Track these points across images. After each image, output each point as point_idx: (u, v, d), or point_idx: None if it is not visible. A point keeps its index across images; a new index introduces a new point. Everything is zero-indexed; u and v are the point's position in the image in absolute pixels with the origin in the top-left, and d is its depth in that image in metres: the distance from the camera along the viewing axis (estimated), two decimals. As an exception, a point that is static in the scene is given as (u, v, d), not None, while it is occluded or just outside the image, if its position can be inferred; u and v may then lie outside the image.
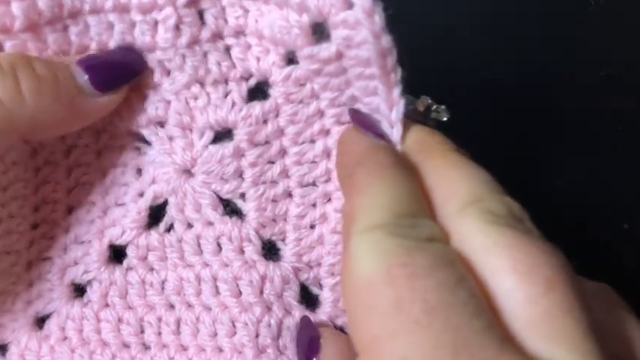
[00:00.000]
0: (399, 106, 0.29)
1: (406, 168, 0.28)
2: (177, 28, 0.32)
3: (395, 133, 0.30)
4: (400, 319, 0.23)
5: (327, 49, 0.30)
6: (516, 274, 0.24)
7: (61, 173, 0.35)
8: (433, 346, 0.22)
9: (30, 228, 0.35)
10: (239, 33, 0.33)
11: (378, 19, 0.27)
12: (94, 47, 0.32)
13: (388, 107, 0.30)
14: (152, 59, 0.32)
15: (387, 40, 0.28)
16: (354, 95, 0.31)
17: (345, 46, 0.29)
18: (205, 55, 0.33)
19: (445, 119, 0.32)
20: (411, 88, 0.30)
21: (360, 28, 0.28)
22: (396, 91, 0.29)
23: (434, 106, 0.32)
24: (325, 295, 0.35)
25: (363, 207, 0.27)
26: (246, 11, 0.32)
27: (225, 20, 0.32)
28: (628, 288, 0.29)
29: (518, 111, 0.46)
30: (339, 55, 0.30)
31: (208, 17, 0.32)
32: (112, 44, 0.32)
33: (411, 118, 0.31)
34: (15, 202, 0.34)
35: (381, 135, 0.30)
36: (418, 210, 0.27)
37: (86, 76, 0.31)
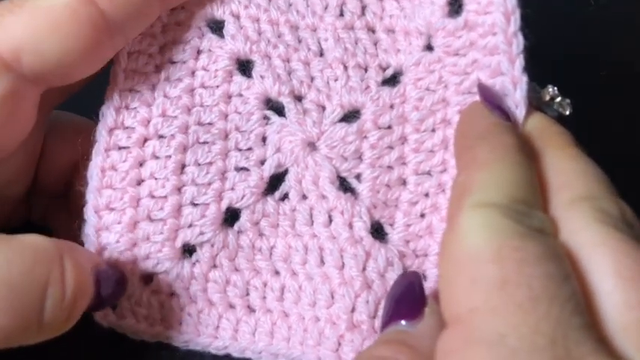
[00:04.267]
0: (522, 83, 0.31)
1: (527, 154, 0.29)
2: (341, 11, 0.37)
3: (519, 113, 0.31)
4: (503, 299, 0.23)
5: (457, 20, 0.34)
6: (619, 278, 0.24)
7: (181, 129, 0.36)
8: (532, 331, 0.22)
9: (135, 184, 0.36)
10: (390, 30, 0.37)
11: None
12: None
13: (512, 85, 0.32)
14: (312, 38, 0.36)
15: (512, 1, 0.31)
16: (479, 79, 0.33)
17: (473, 13, 0.33)
18: (356, 41, 0.36)
19: (568, 113, 0.33)
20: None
21: None
22: (519, 65, 0.32)
23: (558, 98, 0.33)
24: (429, 286, 0.35)
25: (481, 182, 0.27)
26: (402, 9, 0.36)
27: (382, 17, 0.37)
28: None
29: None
30: (467, 25, 0.33)
31: (368, 11, 0.37)
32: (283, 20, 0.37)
33: (534, 105, 0.32)
34: None
35: (506, 115, 0.31)
36: (534, 200, 0.27)
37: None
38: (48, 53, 0.31)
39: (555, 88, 0.33)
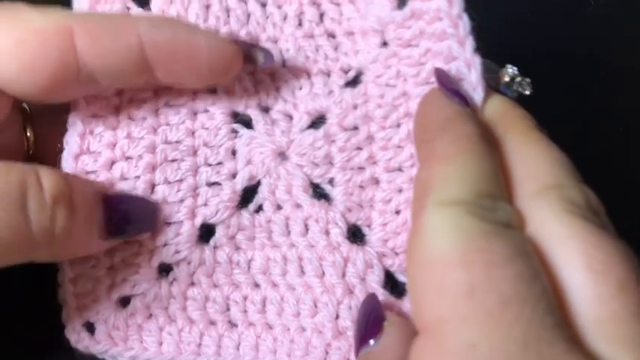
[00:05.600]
0: (476, 65, 0.32)
1: (490, 142, 0.28)
2: (299, 20, 0.37)
3: (477, 96, 0.31)
4: (472, 306, 0.22)
5: (403, 12, 0.35)
6: (589, 271, 0.24)
7: (148, 149, 0.35)
8: (504, 338, 0.22)
9: None
10: (349, 33, 0.37)
11: None
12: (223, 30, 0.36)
13: (467, 67, 0.32)
14: (275, 49, 0.36)
15: None
16: (434, 68, 0.34)
17: (419, 1, 0.34)
18: (317, 48, 0.37)
19: (528, 93, 0.32)
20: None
21: None
22: (469, 46, 0.32)
23: (518, 78, 0.32)
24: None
25: (443, 177, 0.26)
26: (358, 11, 0.37)
27: (340, 22, 0.37)
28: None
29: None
30: (413, 14, 0.34)
31: (326, 17, 0.37)
32: (244, 32, 0.36)
33: (492, 87, 0.31)
34: None
35: (465, 100, 0.30)
36: (498, 191, 0.26)
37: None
38: (6, 67, 0.30)
39: (515, 68, 0.32)
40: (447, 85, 0.31)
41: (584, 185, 0.27)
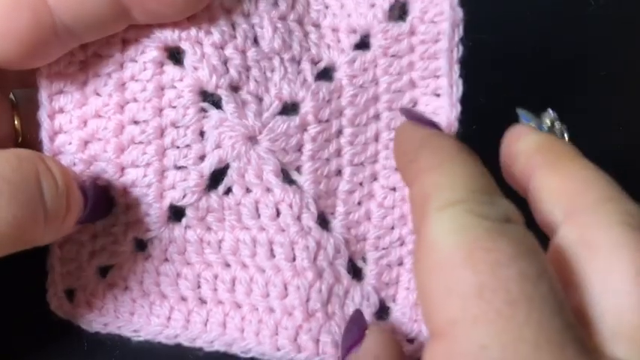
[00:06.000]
0: (459, 86, 0.33)
1: (470, 151, 0.29)
2: (275, 0, 0.35)
3: (454, 113, 0.33)
4: (481, 306, 0.22)
5: (401, 26, 0.35)
6: (637, 279, 0.24)
7: (115, 130, 0.35)
8: (515, 339, 0.22)
9: None
10: (316, 25, 0.36)
11: None
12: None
13: (449, 86, 0.33)
14: (247, 24, 0.35)
15: (459, 12, 0.33)
16: (412, 80, 0.35)
17: (419, 20, 0.34)
18: (290, 32, 0.35)
19: (566, 138, 0.33)
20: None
21: (439, 1, 0.33)
22: (456, 69, 0.33)
23: (557, 123, 0.33)
24: (370, 268, 0.37)
25: (437, 185, 0.26)
26: (326, 7, 0.36)
27: (308, 11, 0.36)
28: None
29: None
30: (411, 32, 0.34)
31: (298, 4, 0.35)
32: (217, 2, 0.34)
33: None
34: None
35: (437, 126, 0.32)
36: (492, 187, 0.27)
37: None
38: None
39: (555, 113, 0.33)
40: (417, 118, 0.32)
41: (634, 202, 0.27)
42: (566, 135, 0.33)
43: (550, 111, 0.33)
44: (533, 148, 0.30)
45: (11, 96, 0.36)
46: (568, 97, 0.48)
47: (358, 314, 0.34)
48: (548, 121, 0.33)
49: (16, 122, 0.36)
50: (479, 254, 0.23)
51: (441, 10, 0.34)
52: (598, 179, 0.28)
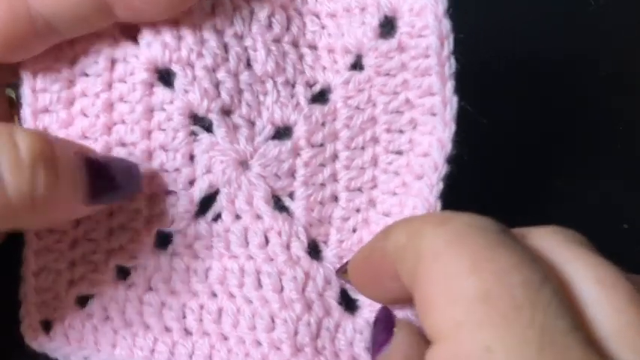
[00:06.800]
0: (453, 103, 0.32)
1: None
2: (269, 22, 0.34)
3: (447, 133, 0.32)
4: (487, 311, 0.23)
5: (390, 42, 0.33)
6: (601, 286, 0.25)
7: (102, 152, 0.34)
8: (519, 341, 0.22)
9: None
10: (312, 47, 0.35)
11: (442, 3, 0.31)
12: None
13: (443, 104, 0.32)
14: (240, 47, 0.34)
15: (446, 24, 0.31)
16: (408, 99, 0.34)
17: (407, 35, 0.33)
18: (284, 55, 0.34)
19: None
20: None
21: (425, 14, 0.32)
22: (450, 86, 0.32)
23: None
24: (364, 299, 0.35)
25: (427, 215, 0.27)
26: (323, 27, 0.35)
27: (304, 33, 0.35)
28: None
29: (517, 111, 0.46)
30: (400, 47, 0.33)
31: (293, 25, 0.35)
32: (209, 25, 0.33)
33: None
34: None
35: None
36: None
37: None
38: None
39: None
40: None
41: None
42: None
43: None
44: None
45: (12, 94, 0.35)
46: (568, 98, 0.48)
47: (386, 312, 0.33)
48: None
49: (15, 121, 0.35)
50: (483, 264, 0.24)
51: (426, 23, 0.32)
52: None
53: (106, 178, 0.31)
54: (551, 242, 0.27)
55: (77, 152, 0.31)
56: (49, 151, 0.29)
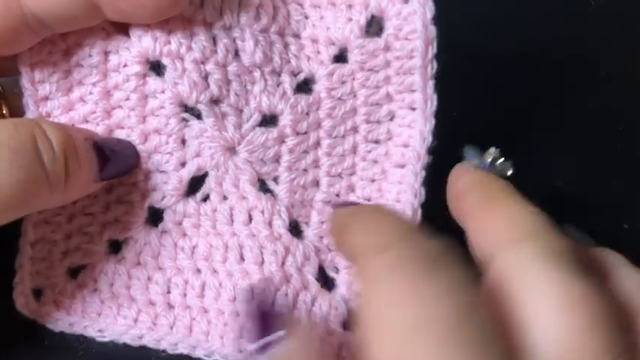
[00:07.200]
0: (434, 100, 0.35)
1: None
2: (257, 12, 0.36)
3: (428, 127, 0.35)
4: (422, 339, 0.23)
5: (376, 42, 0.36)
6: (561, 307, 0.25)
7: (104, 134, 0.36)
8: None
9: None
10: (296, 36, 0.37)
11: (430, 10, 0.34)
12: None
13: (424, 101, 0.35)
14: (228, 38, 0.36)
15: (432, 30, 0.34)
16: (388, 93, 0.36)
17: (394, 37, 0.35)
18: (271, 44, 0.36)
19: (509, 174, 0.34)
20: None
21: (413, 19, 0.34)
22: (431, 84, 0.35)
23: (500, 159, 0.35)
24: (341, 278, 0.38)
25: (367, 234, 0.28)
26: (306, 17, 0.37)
27: (289, 22, 0.37)
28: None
29: (517, 111, 0.46)
30: (387, 48, 0.36)
31: (279, 15, 0.37)
32: (199, 17, 0.35)
33: (475, 165, 0.34)
34: None
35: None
36: (409, 228, 0.28)
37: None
38: None
39: (498, 150, 0.34)
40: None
41: (562, 234, 0.28)
42: (510, 171, 0.34)
43: (493, 149, 0.34)
44: (469, 187, 0.32)
45: None
46: (568, 98, 0.48)
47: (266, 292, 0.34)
48: (490, 159, 0.34)
49: (4, 111, 0.37)
50: (411, 295, 0.24)
51: (414, 28, 0.34)
52: (525, 216, 0.29)
53: (109, 159, 0.35)
54: (527, 258, 0.26)
55: (87, 138, 0.34)
56: (72, 141, 0.33)
